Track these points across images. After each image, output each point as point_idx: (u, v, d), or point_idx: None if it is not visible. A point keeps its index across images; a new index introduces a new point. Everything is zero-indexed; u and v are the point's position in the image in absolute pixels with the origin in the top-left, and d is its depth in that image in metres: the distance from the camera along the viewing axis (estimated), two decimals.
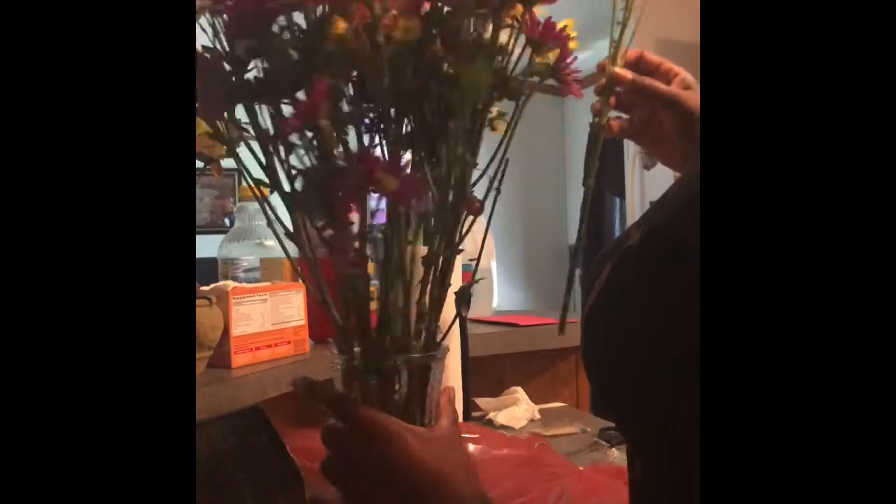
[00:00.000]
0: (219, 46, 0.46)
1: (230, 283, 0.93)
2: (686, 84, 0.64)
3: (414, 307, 0.51)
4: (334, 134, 0.44)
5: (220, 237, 1.19)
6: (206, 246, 1.80)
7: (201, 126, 0.48)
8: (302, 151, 0.46)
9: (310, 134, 0.45)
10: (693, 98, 0.63)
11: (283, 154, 0.47)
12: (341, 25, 0.42)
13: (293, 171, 0.47)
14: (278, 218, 0.51)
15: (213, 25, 0.46)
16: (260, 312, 0.93)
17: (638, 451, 0.42)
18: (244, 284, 0.97)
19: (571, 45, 0.49)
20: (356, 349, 0.51)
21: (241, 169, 0.50)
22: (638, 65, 0.65)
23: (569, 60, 0.49)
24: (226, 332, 0.88)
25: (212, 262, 1.18)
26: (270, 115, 0.47)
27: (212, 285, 0.94)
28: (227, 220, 4.82)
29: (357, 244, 0.46)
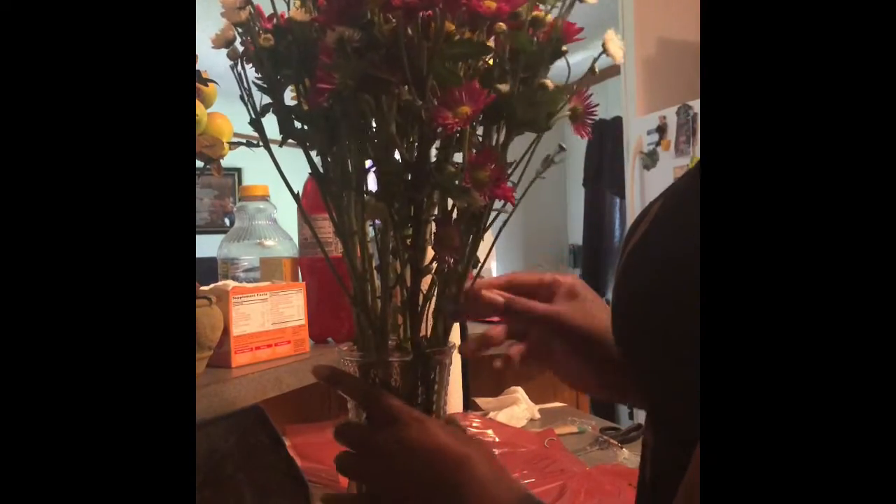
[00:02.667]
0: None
1: (230, 283, 0.93)
2: (572, 294, 0.59)
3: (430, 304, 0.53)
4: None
5: (220, 237, 1.19)
6: (206, 246, 1.80)
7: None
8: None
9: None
10: (575, 312, 0.58)
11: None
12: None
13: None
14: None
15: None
16: (260, 312, 0.93)
17: (654, 413, 0.41)
18: (244, 284, 0.97)
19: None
20: (373, 345, 0.53)
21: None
22: (511, 287, 0.60)
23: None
24: (226, 331, 0.88)
25: (212, 262, 1.18)
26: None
27: (212, 285, 0.94)
28: (227, 220, 4.82)
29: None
